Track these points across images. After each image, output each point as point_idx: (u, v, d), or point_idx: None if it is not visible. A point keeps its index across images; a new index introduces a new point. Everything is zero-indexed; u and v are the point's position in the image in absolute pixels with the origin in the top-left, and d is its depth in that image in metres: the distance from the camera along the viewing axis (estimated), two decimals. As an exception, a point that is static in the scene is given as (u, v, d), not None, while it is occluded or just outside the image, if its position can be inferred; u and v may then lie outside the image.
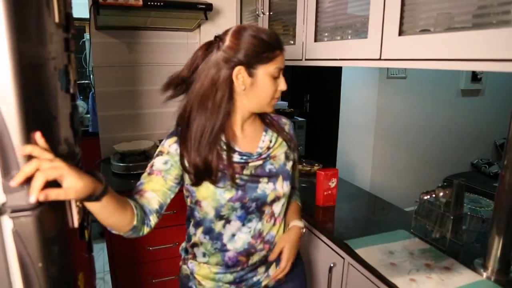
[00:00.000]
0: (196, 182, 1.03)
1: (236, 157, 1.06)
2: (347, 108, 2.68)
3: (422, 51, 1.05)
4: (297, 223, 1.19)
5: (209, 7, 2.01)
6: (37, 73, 0.73)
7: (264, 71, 1.00)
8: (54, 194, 0.69)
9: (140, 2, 1.82)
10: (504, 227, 1.17)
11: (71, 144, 0.93)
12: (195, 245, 1.14)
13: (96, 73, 2.23)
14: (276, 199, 1.11)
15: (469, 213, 1.89)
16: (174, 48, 2.37)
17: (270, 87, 1.02)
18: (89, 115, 2.86)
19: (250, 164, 1.07)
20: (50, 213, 0.74)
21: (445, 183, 1.41)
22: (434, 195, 1.40)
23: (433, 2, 1.06)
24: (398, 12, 1.12)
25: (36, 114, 0.72)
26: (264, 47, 0.98)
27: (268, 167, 1.10)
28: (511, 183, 1.13)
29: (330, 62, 1.46)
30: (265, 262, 1.14)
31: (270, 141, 1.13)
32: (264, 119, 1.16)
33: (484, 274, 1.20)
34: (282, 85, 1.04)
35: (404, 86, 2.66)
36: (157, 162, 1.04)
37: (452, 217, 1.32)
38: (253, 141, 1.11)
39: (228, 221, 1.07)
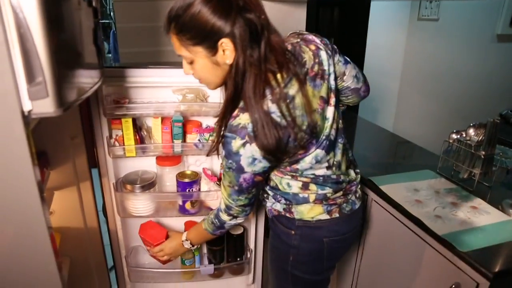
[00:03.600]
0: None
1: None
2: (373, 52, 2.56)
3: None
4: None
5: None
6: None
7: None
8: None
9: None
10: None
11: (95, 61, 0.91)
12: None
13: (117, 8, 2.17)
14: None
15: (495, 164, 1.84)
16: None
17: None
18: (110, 55, 2.84)
19: None
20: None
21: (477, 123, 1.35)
22: (464, 135, 1.35)
23: None
24: None
25: (58, 21, 0.69)
26: None
27: None
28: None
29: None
30: None
31: None
32: None
33: (514, 214, 1.17)
34: None
35: (435, 29, 2.52)
36: None
37: (483, 157, 1.27)
38: None
39: None
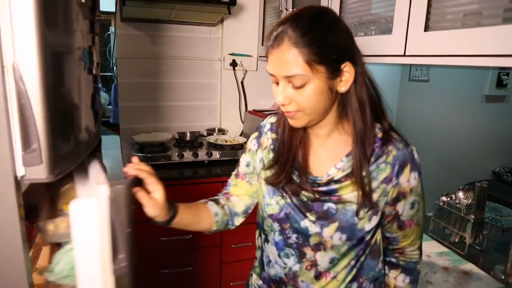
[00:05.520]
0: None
1: (294, 174, 0.90)
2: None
3: (449, 46, 1.02)
4: None
5: (233, 2, 2.01)
6: (62, 56, 0.74)
7: None
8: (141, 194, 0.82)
9: (165, -6, 1.84)
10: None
11: (91, 126, 0.94)
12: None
13: (120, 64, 2.26)
14: (321, 247, 0.86)
15: (488, 222, 1.84)
16: (197, 42, 2.38)
17: (274, 91, 0.84)
18: (110, 106, 2.92)
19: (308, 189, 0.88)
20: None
21: (466, 186, 1.38)
22: (454, 198, 1.37)
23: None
24: (424, 7, 1.09)
25: (58, 93, 0.72)
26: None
27: (328, 204, 0.86)
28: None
29: (353, 58, 1.44)
30: None
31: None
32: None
33: (506, 281, 1.16)
34: (276, 96, 0.81)
35: (426, 89, 2.61)
36: (242, 163, 1.04)
37: (472, 221, 1.28)
38: (327, 161, 0.89)
39: (267, 240, 0.96)
